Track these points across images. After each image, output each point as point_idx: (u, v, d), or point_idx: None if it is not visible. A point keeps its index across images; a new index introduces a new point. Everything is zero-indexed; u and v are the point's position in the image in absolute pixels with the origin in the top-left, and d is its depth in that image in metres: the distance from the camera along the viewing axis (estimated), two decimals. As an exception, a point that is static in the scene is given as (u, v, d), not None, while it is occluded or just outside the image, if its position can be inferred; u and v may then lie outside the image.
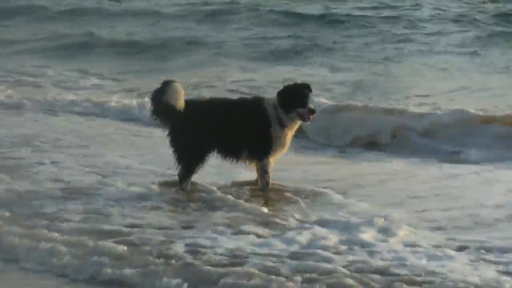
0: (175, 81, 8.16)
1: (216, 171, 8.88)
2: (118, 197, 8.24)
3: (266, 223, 7.52)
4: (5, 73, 16.51)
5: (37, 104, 13.48)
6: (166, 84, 8.09)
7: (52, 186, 8.59)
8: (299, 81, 8.40)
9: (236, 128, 8.14)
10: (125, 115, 12.76)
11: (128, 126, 12.19)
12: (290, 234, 7.19)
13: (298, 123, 8.22)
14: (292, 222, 7.54)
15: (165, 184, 8.66)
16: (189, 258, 6.63)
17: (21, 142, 10.55)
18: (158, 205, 8.10)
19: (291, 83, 8.32)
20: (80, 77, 16.10)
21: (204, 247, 6.92)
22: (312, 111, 7.98)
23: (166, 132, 8.36)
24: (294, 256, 6.72)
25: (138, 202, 8.14)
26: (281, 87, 8.23)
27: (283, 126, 8.08)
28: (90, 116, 12.88)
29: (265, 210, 7.88)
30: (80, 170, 9.29)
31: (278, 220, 7.59)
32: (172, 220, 7.68)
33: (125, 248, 6.83)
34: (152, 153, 10.04)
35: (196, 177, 8.46)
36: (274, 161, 8.36)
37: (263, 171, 8.26)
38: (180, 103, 8.01)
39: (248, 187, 8.58)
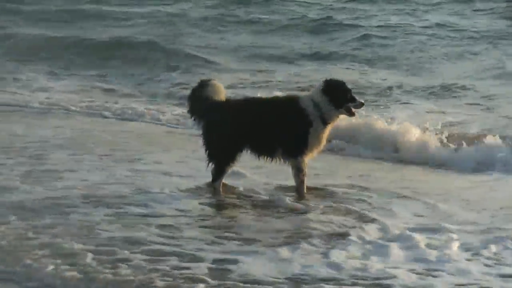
0: (213, 79, 8.19)
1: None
2: (156, 204, 7.74)
3: (331, 236, 6.87)
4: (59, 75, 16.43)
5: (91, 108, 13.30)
6: (204, 82, 8.09)
7: (81, 193, 8.03)
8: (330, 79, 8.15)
9: (271, 127, 7.94)
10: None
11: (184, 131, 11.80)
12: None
13: (338, 119, 8.04)
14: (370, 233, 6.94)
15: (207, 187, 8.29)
16: (213, 278, 5.91)
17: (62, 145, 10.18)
18: (197, 210, 7.66)
19: (327, 78, 8.10)
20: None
21: (234, 262, 6.17)
22: (362, 104, 8.00)
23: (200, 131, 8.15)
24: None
25: (175, 209, 7.63)
26: (322, 84, 7.98)
27: (325, 123, 7.90)
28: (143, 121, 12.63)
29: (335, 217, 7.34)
30: (118, 175, 8.79)
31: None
32: (209, 230, 7.10)
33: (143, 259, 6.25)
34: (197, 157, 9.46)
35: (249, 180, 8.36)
36: (310, 158, 8.11)
37: (298, 170, 8.04)
38: (221, 97, 7.96)
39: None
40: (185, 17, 23.00)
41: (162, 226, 7.08)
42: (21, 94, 14.38)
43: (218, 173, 8.07)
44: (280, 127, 7.90)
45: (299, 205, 7.75)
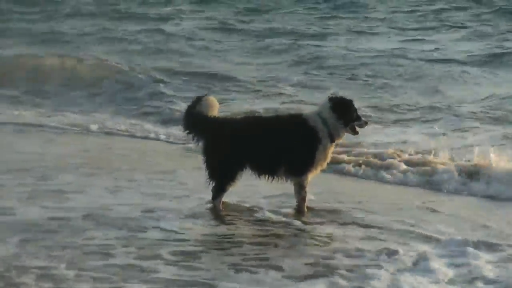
0: (209, 95, 8.17)
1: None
2: (170, 227, 7.16)
3: (360, 265, 6.28)
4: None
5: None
6: (200, 98, 8.02)
7: (93, 214, 7.46)
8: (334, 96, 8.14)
9: (277, 145, 7.84)
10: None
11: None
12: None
13: (344, 136, 8.06)
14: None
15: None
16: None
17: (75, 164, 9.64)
18: (216, 235, 7.10)
19: (333, 95, 8.10)
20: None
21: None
22: (366, 123, 8.08)
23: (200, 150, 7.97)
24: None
25: (191, 234, 7.07)
26: (329, 101, 7.91)
27: (333, 140, 7.90)
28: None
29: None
30: (133, 196, 8.26)
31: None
32: (227, 258, 6.43)
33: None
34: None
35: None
36: (314, 175, 8.04)
37: (300, 187, 8.01)
38: (212, 113, 7.87)
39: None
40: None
41: (175, 252, 6.45)
42: (36, 114, 14.04)
43: (218, 191, 7.92)
44: (287, 145, 7.79)
45: (328, 231, 7.32)
